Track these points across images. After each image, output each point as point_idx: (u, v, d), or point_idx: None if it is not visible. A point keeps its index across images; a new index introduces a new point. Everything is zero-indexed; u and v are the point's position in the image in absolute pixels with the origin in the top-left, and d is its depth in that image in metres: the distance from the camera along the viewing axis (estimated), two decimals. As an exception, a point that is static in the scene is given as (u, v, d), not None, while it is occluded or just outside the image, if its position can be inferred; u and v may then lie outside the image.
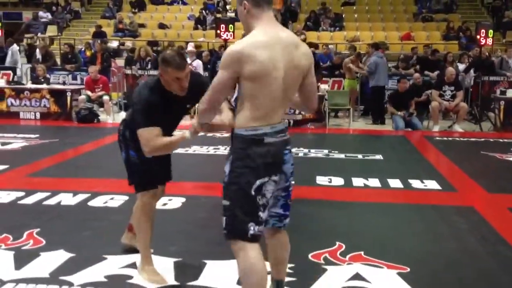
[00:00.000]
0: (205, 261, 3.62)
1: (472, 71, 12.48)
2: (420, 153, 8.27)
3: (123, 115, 11.69)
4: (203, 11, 19.52)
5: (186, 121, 3.39)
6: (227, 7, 19.88)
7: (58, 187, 5.55)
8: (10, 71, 13.88)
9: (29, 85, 11.88)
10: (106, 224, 4.47)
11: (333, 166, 7.00)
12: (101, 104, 11.18)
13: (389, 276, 3.46)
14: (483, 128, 10.69)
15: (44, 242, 3.96)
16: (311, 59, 2.57)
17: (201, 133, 2.83)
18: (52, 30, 19.42)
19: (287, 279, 3.28)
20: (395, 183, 6.02)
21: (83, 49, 15.24)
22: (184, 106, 3.23)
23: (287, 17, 18.85)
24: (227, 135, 2.58)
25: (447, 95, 10.60)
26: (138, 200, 3.39)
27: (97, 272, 3.43)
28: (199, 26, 18.93)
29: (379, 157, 7.61)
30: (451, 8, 19.67)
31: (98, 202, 5.08)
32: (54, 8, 20.69)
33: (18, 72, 14.14)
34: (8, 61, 14.41)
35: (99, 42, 14.46)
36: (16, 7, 22.84)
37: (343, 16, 19.50)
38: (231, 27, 11.81)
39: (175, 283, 3.31)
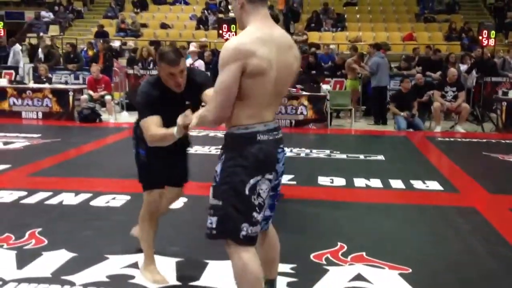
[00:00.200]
0: (207, 261, 3.62)
1: (474, 71, 12.47)
2: (422, 153, 8.26)
3: (125, 114, 11.75)
4: (205, 11, 19.53)
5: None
6: (229, 7, 19.86)
7: (60, 187, 5.55)
8: (12, 71, 13.91)
9: (31, 84, 11.89)
10: (108, 224, 4.48)
11: (335, 166, 7.00)
12: (103, 104, 11.19)
13: (390, 276, 3.46)
14: (485, 129, 10.67)
15: (46, 241, 3.96)
16: (299, 63, 2.58)
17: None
18: (54, 30, 19.44)
19: (288, 279, 3.29)
20: (396, 183, 6.02)
21: (85, 49, 15.25)
22: (184, 103, 3.16)
23: (289, 17, 18.85)
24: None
25: (449, 96, 10.59)
26: (144, 198, 3.39)
27: (99, 271, 3.43)
28: (201, 26, 18.94)
29: (381, 157, 7.61)
30: (453, 9, 19.65)
31: (100, 201, 5.08)
32: (56, 7, 20.71)
33: (20, 71, 14.16)
34: (10, 61, 14.45)
35: (101, 41, 14.47)
36: (18, 7, 22.84)
37: (345, 16, 19.48)
38: (233, 27, 11.82)
39: (177, 283, 3.31)
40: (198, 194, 5.36)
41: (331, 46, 15.64)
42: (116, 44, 17.07)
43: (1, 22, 13.82)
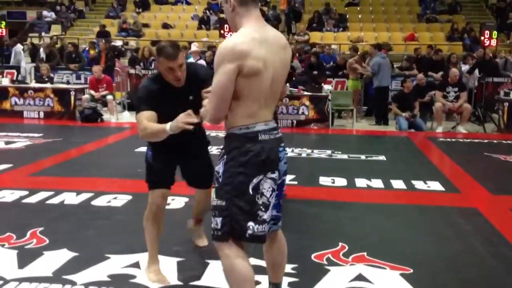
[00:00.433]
0: (208, 261, 3.62)
1: (476, 72, 12.46)
2: (423, 154, 8.25)
3: (126, 114, 11.75)
4: (207, 11, 19.53)
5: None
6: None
7: (61, 186, 5.56)
8: (14, 70, 13.93)
9: (33, 84, 11.91)
10: (109, 224, 4.48)
11: (336, 166, 6.99)
12: (105, 104, 11.20)
13: (392, 277, 3.46)
14: (486, 129, 10.66)
15: (47, 241, 3.97)
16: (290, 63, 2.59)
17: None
18: (56, 30, 19.46)
19: (290, 279, 3.29)
20: (398, 184, 6.01)
21: (86, 49, 15.26)
22: (187, 97, 3.18)
23: (290, 18, 18.86)
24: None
25: (450, 96, 10.58)
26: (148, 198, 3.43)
27: (100, 271, 3.44)
28: (203, 26, 18.95)
29: (382, 158, 7.61)
30: (455, 9, 19.64)
31: (101, 201, 5.08)
32: (58, 7, 20.72)
33: (22, 71, 14.18)
34: (12, 61, 14.46)
35: (103, 41, 14.48)
36: (20, 6, 22.87)
37: (347, 16, 19.47)
38: (234, 27, 11.81)
39: (179, 283, 3.31)
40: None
41: (333, 46, 15.63)
42: (117, 44, 17.08)
43: (3, 22, 13.83)
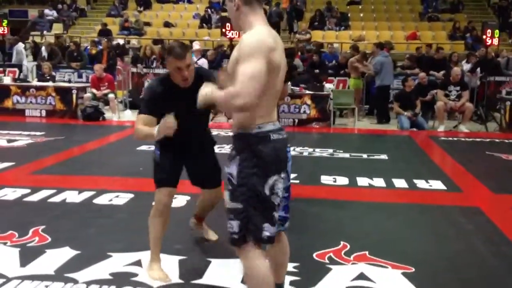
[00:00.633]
0: (210, 259, 3.63)
1: (478, 71, 12.44)
2: (425, 153, 8.25)
3: (128, 113, 11.76)
4: (209, 10, 19.54)
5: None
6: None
7: (63, 185, 5.56)
8: (16, 69, 13.93)
9: (35, 82, 11.92)
10: (111, 222, 4.49)
11: (337, 165, 6.99)
12: (107, 102, 11.21)
13: (393, 276, 3.46)
14: (488, 128, 10.65)
15: (49, 239, 3.97)
16: None
17: None
18: (57, 28, 19.47)
19: (291, 278, 3.29)
20: (400, 183, 6.01)
21: (88, 47, 15.27)
22: (194, 98, 3.19)
23: (292, 16, 18.85)
24: (231, 133, 2.52)
25: (452, 95, 10.57)
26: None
27: (102, 269, 3.44)
28: (204, 24, 18.94)
29: (384, 156, 7.60)
30: (457, 8, 19.62)
31: (103, 199, 5.09)
32: (59, 6, 20.74)
33: (24, 69, 14.19)
34: (13, 59, 14.48)
35: (105, 40, 14.48)
36: (22, 5, 22.89)
37: (349, 15, 19.46)
38: (236, 25, 11.80)
39: (180, 281, 3.32)
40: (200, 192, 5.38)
41: (335, 45, 15.62)
42: (120, 42, 17.09)
43: (5, 20, 13.85)
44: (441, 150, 8.48)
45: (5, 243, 3.88)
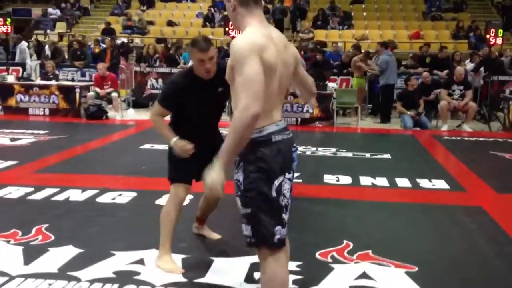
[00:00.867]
0: (213, 258, 3.63)
1: (482, 70, 12.41)
2: (428, 152, 8.24)
3: (131, 112, 11.77)
4: (212, 9, 19.55)
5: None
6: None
7: (66, 183, 5.57)
8: (19, 67, 13.95)
9: (38, 81, 11.94)
10: (114, 220, 4.49)
11: (340, 164, 6.98)
12: (110, 101, 11.21)
13: (396, 275, 3.46)
14: (492, 127, 10.63)
15: (52, 237, 3.98)
16: (298, 58, 2.56)
17: None
18: (61, 27, 19.50)
19: (294, 277, 3.29)
20: (403, 182, 6.00)
21: (92, 46, 15.28)
22: (217, 90, 3.38)
23: (296, 15, 18.84)
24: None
25: (456, 94, 10.55)
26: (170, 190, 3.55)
27: (105, 268, 3.44)
28: (207, 23, 18.95)
29: (387, 156, 7.59)
30: (460, 7, 19.59)
31: (106, 198, 5.09)
32: (63, 4, 20.78)
33: (27, 68, 14.21)
34: (17, 58, 14.50)
35: (109, 39, 14.49)
36: (25, 4, 22.95)
37: (352, 14, 19.45)
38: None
39: (183, 279, 3.32)
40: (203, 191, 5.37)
41: (339, 44, 15.60)
42: (124, 41, 17.11)
43: (9, 19, 13.85)
44: (445, 149, 8.46)
45: (8, 241, 3.89)
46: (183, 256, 3.65)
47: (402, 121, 10.52)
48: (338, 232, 4.26)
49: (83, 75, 13.75)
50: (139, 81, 13.14)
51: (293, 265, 3.41)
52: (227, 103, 3.77)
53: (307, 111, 10.58)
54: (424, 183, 5.99)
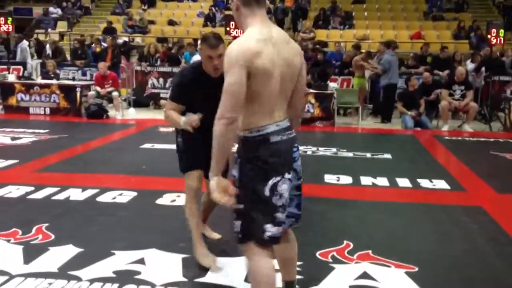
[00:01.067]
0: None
1: (483, 70, 12.40)
2: (429, 152, 8.23)
3: (132, 111, 11.77)
4: (213, 8, 19.55)
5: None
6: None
7: (67, 182, 5.57)
8: (20, 66, 13.96)
9: (39, 80, 11.94)
10: (115, 220, 4.49)
11: (341, 164, 6.98)
12: (110, 100, 11.21)
13: (397, 275, 3.45)
14: (492, 128, 10.62)
15: (53, 236, 3.98)
16: (301, 57, 2.56)
17: None
18: (62, 26, 19.51)
19: (294, 277, 3.28)
20: (403, 182, 6.00)
21: (93, 45, 15.29)
22: (222, 84, 3.34)
23: (297, 15, 18.84)
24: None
25: (457, 95, 10.54)
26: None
27: (105, 267, 3.44)
28: (208, 23, 18.94)
29: (387, 156, 7.59)
30: (461, 7, 19.57)
31: (106, 197, 5.09)
32: (64, 3, 20.79)
33: (28, 67, 14.22)
34: (18, 57, 14.51)
35: (110, 38, 14.50)
36: (26, 3, 22.96)
37: (353, 14, 19.44)
38: (240, 24, 11.80)
39: (183, 279, 3.32)
40: (204, 191, 5.37)
41: (341, 44, 15.59)
42: (126, 40, 17.11)
43: (10, 18, 13.87)
44: (445, 149, 8.46)
45: (8, 241, 3.89)
46: (184, 256, 3.65)
47: (403, 121, 10.51)
48: (339, 232, 4.26)
49: (84, 74, 13.76)
50: (140, 80, 13.15)
51: (293, 265, 3.41)
52: None
53: (308, 111, 10.57)
54: (424, 183, 5.99)
